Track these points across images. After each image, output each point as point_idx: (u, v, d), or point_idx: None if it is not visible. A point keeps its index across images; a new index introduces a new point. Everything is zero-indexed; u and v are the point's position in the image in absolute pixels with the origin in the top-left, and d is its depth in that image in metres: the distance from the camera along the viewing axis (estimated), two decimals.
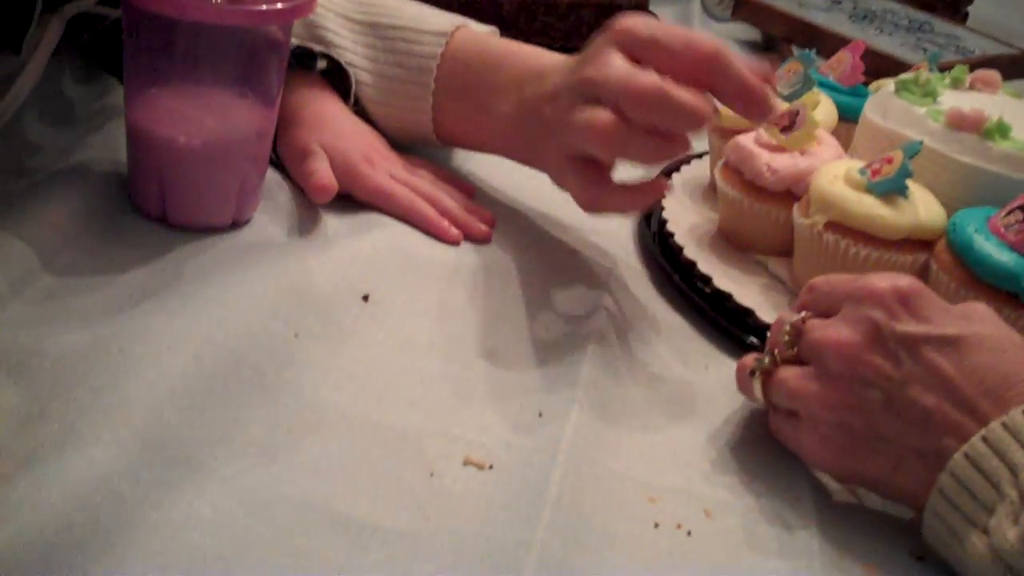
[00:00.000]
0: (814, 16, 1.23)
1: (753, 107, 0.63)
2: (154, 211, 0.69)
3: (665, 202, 0.79)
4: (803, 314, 0.59)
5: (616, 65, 0.63)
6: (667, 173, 0.85)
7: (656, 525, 0.53)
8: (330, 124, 0.75)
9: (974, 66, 1.18)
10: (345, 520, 0.49)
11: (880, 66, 0.98)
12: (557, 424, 0.58)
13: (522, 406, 0.59)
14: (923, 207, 0.69)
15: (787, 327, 0.58)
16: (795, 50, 0.84)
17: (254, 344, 0.58)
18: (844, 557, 0.54)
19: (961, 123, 0.71)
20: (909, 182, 0.68)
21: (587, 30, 1.11)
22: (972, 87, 0.79)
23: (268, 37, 0.67)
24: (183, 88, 0.67)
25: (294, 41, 0.76)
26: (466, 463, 0.54)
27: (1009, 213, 0.64)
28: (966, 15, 1.44)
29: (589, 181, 0.66)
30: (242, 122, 0.68)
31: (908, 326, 0.54)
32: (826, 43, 1.16)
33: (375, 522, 0.49)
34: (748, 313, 0.69)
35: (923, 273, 0.68)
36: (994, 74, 0.80)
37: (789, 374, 0.57)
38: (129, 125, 0.68)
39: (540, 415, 0.59)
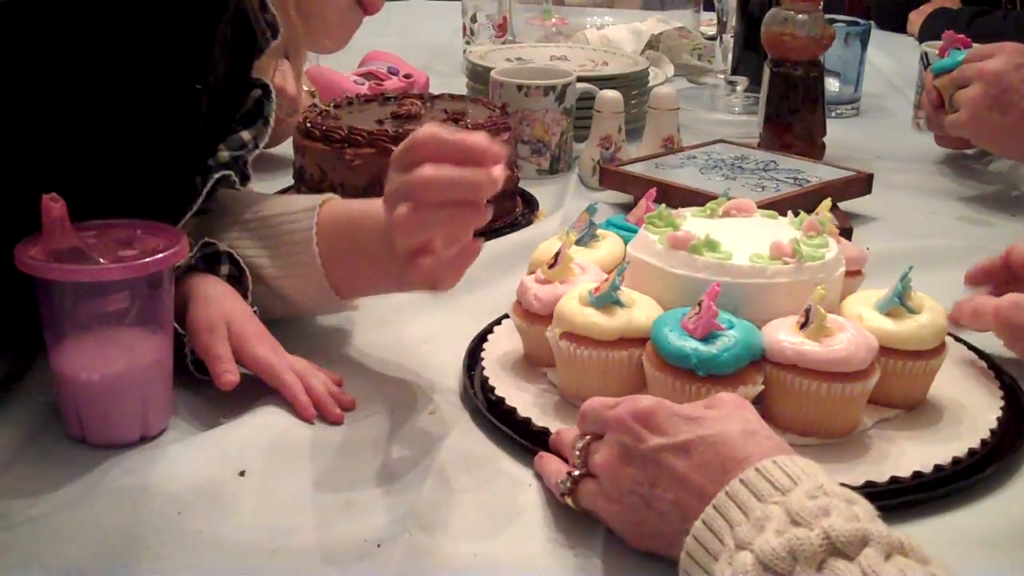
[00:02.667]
0: (666, 175, 1.41)
1: (477, 157, 0.79)
2: (75, 434, 0.85)
3: (491, 337, 0.98)
4: (587, 439, 0.76)
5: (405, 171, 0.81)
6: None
7: None
8: (228, 307, 0.92)
9: (810, 193, 1.35)
10: None
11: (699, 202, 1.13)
12: (391, 550, 0.73)
13: (366, 540, 0.74)
14: (639, 312, 0.86)
15: (577, 452, 0.76)
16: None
17: (144, 526, 0.74)
18: None
19: (675, 243, 0.89)
20: (636, 293, 0.87)
21: None
22: (726, 214, 0.96)
23: (153, 277, 0.83)
24: (87, 331, 0.84)
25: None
26: None
27: (693, 308, 0.82)
28: (823, 146, 1.62)
29: (424, 266, 0.82)
30: (138, 354, 0.85)
31: (649, 442, 0.71)
32: (676, 196, 1.34)
33: None
34: (527, 422, 0.86)
35: (639, 364, 0.85)
36: (746, 202, 0.98)
37: (585, 492, 0.75)
38: (51, 366, 0.85)
39: (378, 546, 0.74)
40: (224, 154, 0.98)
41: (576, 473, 0.75)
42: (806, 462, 0.66)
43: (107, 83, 0.85)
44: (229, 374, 0.87)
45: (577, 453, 0.75)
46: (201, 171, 0.96)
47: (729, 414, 0.71)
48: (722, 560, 0.63)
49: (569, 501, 0.75)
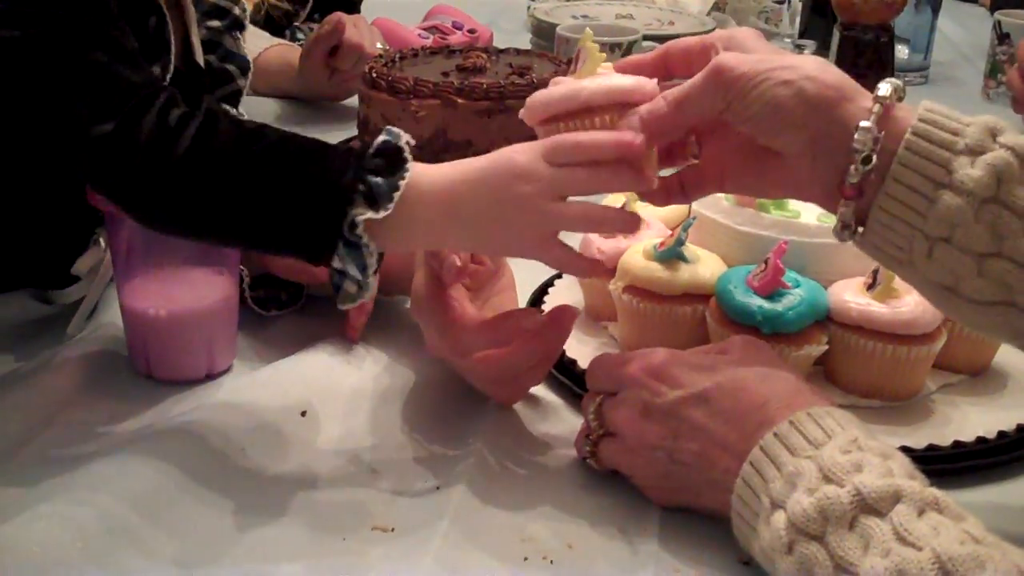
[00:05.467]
0: None
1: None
2: (142, 369, 0.87)
3: (551, 291, 0.98)
4: (599, 399, 0.74)
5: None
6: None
7: (525, 559, 0.68)
8: None
9: None
10: None
11: None
12: (449, 494, 0.73)
13: (425, 482, 0.75)
14: (703, 268, 0.85)
15: (592, 413, 0.74)
16: None
17: (207, 462, 0.75)
18: (680, 564, 0.68)
19: (742, 200, 0.89)
20: (701, 249, 0.86)
21: None
22: None
23: None
24: (156, 268, 0.85)
25: None
26: (373, 529, 0.70)
27: (759, 266, 0.81)
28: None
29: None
30: (205, 292, 0.86)
31: (667, 396, 0.70)
32: None
33: None
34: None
35: (702, 320, 0.84)
36: None
37: (607, 451, 0.74)
38: (119, 302, 0.87)
39: (437, 488, 0.74)
40: None
41: (594, 435, 0.74)
42: (842, 413, 0.65)
43: None
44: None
45: (592, 415, 0.74)
46: None
47: (744, 357, 0.71)
48: (761, 520, 0.63)
49: (592, 463, 0.75)
